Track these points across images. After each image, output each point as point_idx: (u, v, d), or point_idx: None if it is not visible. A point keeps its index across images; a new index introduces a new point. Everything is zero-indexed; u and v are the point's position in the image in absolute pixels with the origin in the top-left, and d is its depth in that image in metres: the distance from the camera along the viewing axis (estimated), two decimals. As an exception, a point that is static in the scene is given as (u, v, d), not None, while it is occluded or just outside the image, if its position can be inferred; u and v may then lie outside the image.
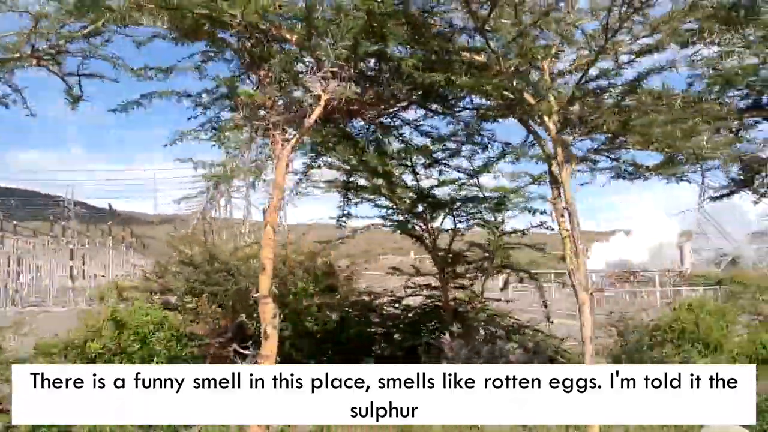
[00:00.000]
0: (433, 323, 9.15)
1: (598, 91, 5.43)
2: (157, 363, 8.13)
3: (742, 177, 8.47)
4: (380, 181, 7.27)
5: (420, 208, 8.56)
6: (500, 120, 6.14)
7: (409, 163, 7.31)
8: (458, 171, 7.54)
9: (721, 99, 7.63)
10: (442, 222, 9.25)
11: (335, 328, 8.68)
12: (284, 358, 8.76)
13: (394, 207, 8.27)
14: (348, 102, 5.16)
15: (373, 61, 4.79)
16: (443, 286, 9.15)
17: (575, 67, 5.49)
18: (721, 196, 8.72)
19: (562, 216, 5.03)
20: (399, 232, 8.63)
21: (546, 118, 4.93)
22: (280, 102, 4.40)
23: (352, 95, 4.19)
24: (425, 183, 8.33)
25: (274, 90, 4.39)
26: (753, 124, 7.70)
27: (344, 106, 4.85)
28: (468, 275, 9.71)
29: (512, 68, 4.95)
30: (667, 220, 54.16)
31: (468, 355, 7.07)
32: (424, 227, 8.75)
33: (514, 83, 4.94)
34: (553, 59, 5.28)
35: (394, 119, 6.09)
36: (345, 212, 7.43)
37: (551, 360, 8.23)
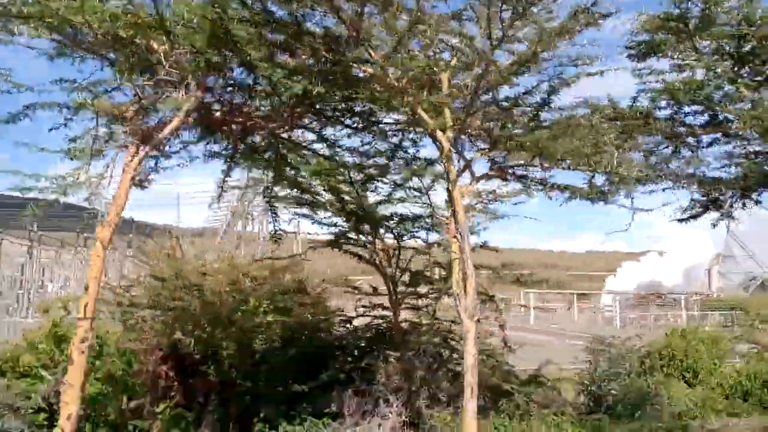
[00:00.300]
0: (383, 346, 8.81)
1: (505, 105, 5.12)
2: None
3: (705, 197, 8.00)
4: (306, 196, 7.00)
5: (366, 226, 8.26)
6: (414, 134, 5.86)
7: (341, 178, 7.04)
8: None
9: (675, 115, 7.22)
10: (400, 239, 8.94)
11: (279, 349, 8.42)
12: (222, 376, 8.62)
13: (335, 224, 7.99)
14: (240, 115, 4.96)
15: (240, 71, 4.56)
16: (394, 307, 8.80)
17: (486, 82, 5.18)
18: (689, 218, 8.26)
19: (455, 238, 4.71)
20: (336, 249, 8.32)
21: (440, 134, 4.63)
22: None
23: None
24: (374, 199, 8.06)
25: (134, 101, 4.21)
26: (711, 142, 7.25)
27: (229, 118, 4.64)
28: (430, 296, 9.36)
29: (406, 80, 4.69)
30: (702, 242, 52.46)
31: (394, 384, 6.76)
32: (371, 244, 8.42)
33: (407, 97, 4.67)
34: (453, 71, 4.99)
35: (307, 133, 5.86)
36: (276, 228, 7.16)
37: (493, 389, 7.80)
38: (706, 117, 7.03)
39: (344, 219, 7.49)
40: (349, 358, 8.36)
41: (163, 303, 9.38)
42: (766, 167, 6.22)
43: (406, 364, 7.34)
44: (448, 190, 4.90)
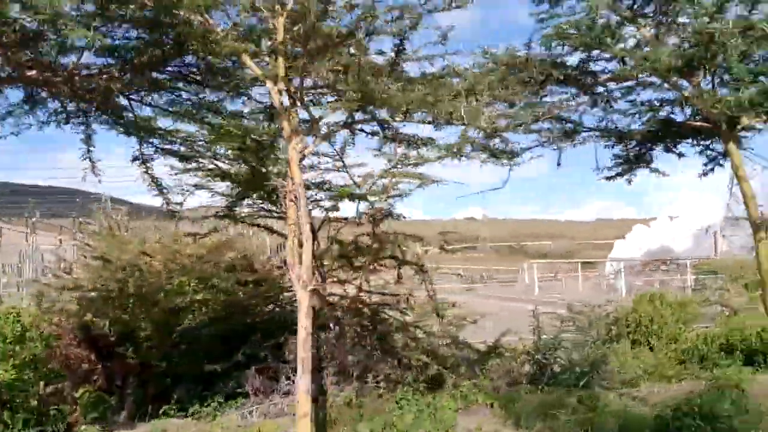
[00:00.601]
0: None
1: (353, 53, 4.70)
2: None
3: (633, 153, 7.56)
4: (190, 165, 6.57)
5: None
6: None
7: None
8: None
9: (583, 63, 6.71)
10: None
11: (196, 329, 8.16)
12: (141, 358, 8.38)
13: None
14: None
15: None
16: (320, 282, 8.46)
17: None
18: (616, 175, 7.83)
19: (292, 201, 4.34)
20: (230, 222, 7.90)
21: (270, 85, 4.24)
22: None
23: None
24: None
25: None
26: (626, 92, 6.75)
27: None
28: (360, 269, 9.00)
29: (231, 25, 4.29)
30: (713, 205, 51.30)
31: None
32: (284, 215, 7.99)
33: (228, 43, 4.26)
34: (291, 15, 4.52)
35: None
36: (165, 202, 6.74)
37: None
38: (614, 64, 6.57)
39: (237, 187, 7.01)
40: (268, 336, 8.05)
41: (104, 285, 9.17)
42: (672, 116, 5.76)
43: (314, 340, 7.03)
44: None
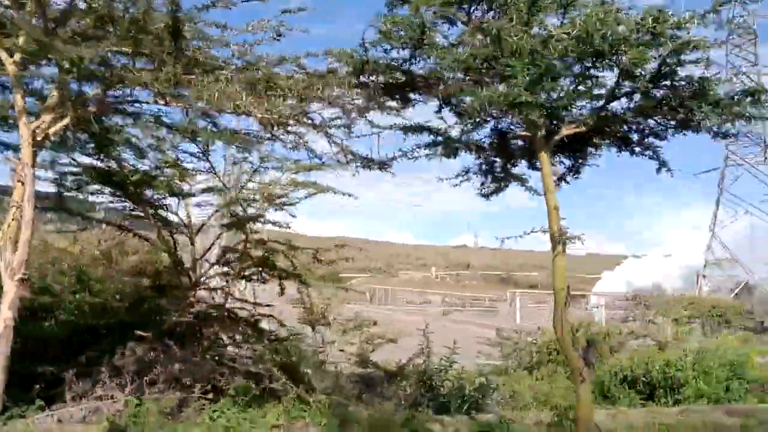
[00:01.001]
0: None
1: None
2: None
3: (496, 168, 7.11)
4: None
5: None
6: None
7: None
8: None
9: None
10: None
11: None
12: None
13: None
14: None
15: None
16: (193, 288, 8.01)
17: None
18: (490, 194, 7.39)
19: (20, 182, 3.93)
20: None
21: (4, 56, 3.87)
22: None
23: None
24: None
25: None
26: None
27: None
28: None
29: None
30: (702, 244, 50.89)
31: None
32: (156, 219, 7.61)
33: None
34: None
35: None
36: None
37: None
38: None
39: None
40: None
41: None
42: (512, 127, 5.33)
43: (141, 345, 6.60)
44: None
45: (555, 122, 4.80)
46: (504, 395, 9.37)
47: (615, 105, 4.70)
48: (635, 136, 4.90)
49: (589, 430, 4.04)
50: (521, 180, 6.73)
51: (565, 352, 4.24)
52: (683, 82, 4.18)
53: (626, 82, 4.35)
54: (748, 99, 4.15)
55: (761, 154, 41.85)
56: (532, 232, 4.69)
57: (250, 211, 8.00)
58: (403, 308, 52.99)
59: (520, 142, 5.69)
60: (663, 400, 8.99)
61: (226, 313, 7.72)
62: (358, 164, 6.58)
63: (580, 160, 5.47)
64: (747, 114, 4.22)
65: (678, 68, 4.10)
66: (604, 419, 6.87)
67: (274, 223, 8.18)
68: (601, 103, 4.63)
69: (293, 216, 8.47)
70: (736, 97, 4.17)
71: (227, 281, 8.30)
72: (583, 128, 4.76)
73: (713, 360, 9.22)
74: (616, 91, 4.40)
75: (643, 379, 9.18)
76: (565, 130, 4.75)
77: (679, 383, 8.82)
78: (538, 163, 5.89)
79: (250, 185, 7.86)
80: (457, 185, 6.43)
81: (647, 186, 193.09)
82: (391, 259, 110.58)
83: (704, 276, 43.64)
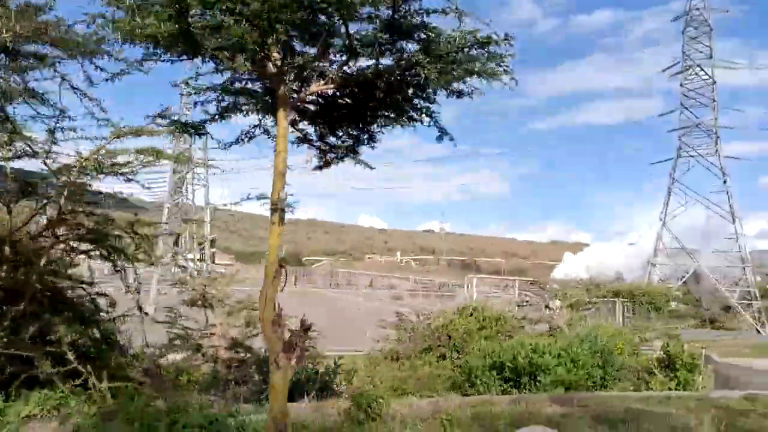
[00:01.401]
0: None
1: None
2: None
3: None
4: None
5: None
6: None
7: None
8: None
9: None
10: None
11: None
12: None
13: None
14: None
15: None
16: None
17: None
18: (321, 166, 6.82)
19: None
20: None
21: None
22: None
23: None
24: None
25: None
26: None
27: None
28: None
29: None
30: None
31: None
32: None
33: None
34: None
35: None
36: None
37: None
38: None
39: None
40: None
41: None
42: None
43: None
44: None
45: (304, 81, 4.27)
46: (365, 381, 8.98)
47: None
48: (400, 99, 4.36)
49: (275, 422, 3.57)
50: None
51: (263, 332, 3.76)
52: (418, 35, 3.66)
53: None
54: (481, 52, 3.66)
55: (712, 146, 42.08)
56: (248, 198, 4.14)
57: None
58: (360, 292, 52.76)
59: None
60: (527, 387, 8.69)
61: (39, 287, 7.13)
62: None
63: (360, 136, 4.83)
64: (477, 71, 3.72)
65: (412, 18, 3.57)
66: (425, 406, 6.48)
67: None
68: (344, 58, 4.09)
69: (147, 187, 7.89)
70: (464, 50, 3.66)
71: (62, 256, 7.75)
72: (331, 85, 4.21)
73: (581, 347, 8.92)
74: (351, 43, 3.85)
75: (509, 365, 8.84)
76: (316, 87, 4.21)
77: (541, 370, 8.49)
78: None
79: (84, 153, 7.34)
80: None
81: (617, 176, 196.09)
82: (360, 243, 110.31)
83: (654, 265, 43.90)
